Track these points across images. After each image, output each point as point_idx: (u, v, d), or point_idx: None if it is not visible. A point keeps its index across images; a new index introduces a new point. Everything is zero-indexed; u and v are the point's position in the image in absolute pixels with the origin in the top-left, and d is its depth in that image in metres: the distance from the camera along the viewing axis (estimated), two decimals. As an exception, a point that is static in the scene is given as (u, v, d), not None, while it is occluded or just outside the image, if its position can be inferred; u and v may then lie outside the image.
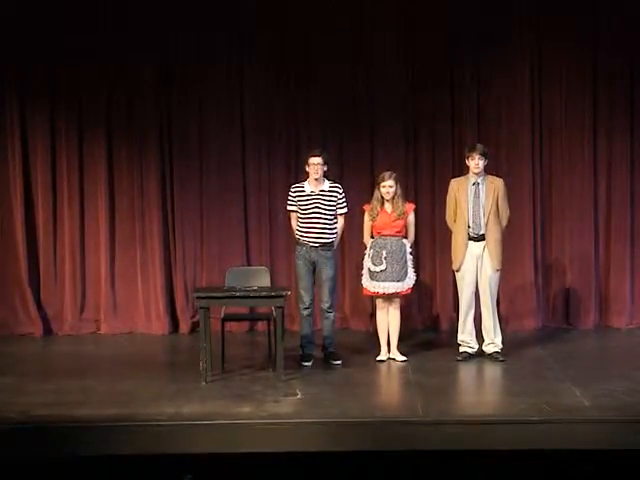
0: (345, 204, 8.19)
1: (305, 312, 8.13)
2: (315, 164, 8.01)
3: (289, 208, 8.24)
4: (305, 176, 8.23)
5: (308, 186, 8.13)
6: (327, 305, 8.14)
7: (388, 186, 8.04)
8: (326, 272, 8.08)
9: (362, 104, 9.60)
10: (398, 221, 8.04)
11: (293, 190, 8.20)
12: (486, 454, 6.07)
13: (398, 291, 8.05)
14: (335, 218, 8.14)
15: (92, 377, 7.64)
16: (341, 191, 8.18)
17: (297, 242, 8.14)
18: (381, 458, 6.12)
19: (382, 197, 8.06)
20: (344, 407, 6.64)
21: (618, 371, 7.65)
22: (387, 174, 8.09)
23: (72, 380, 7.52)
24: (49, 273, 9.67)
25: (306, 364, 8.02)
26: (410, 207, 8.16)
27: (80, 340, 9.38)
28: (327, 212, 8.07)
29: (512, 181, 8.98)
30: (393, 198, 8.04)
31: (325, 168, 8.06)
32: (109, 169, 9.61)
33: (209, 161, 9.66)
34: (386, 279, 8.00)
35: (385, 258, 7.99)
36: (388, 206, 8.07)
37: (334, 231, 8.14)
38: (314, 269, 8.09)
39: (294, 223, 8.21)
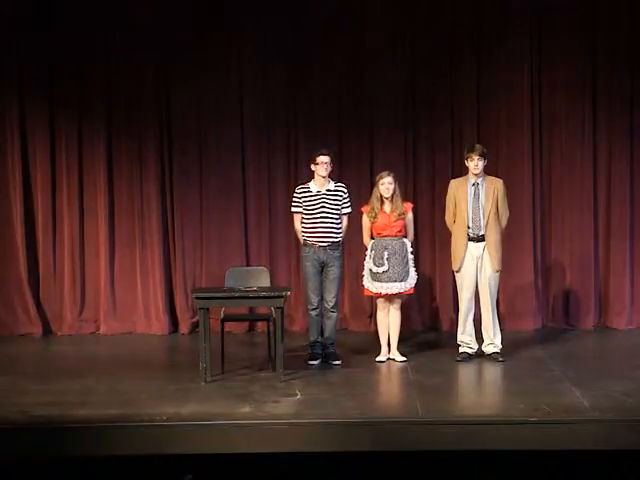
0: (349, 204, 8.20)
1: (313, 313, 8.11)
2: (324, 162, 8.02)
3: (293, 210, 8.21)
4: (310, 176, 8.22)
5: (314, 186, 8.12)
6: (332, 304, 8.13)
7: (387, 183, 8.03)
8: (334, 271, 8.08)
9: (361, 105, 9.58)
10: (398, 221, 8.04)
11: (298, 191, 8.18)
12: (486, 454, 6.07)
13: (401, 291, 8.04)
14: (340, 218, 8.14)
15: (91, 377, 7.63)
16: (346, 191, 8.19)
17: (304, 244, 8.13)
18: (381, 458, 6.12)
19: (381, 196, 8.06)
20: (344, 407, 6.63)
21: (618, 371, 7.64)
22: (385, 172, 8.11)
23: (71, 380, 7.51)
24: (48, 273, 9.66)
25: (313, 363, 8.02)
26: (408, 206, 8.16)
27: (80, 340, 9.38)
28: (333, 212, 8.08)
29: (512, 181, 8.98)
30: (392, 197, 8.04)
31: (331, 167, 8.09)
32: (109, 169, 9.61)
33: (209, 161, 9.66)
34: (389, 279, 7.99)
35: (387, 259, 7.98)
36: (387, 206, 8.07)
37: (340, 230, 8.14)
38: (322, 269, 8.10)
39: (298, 225, 8.18)
